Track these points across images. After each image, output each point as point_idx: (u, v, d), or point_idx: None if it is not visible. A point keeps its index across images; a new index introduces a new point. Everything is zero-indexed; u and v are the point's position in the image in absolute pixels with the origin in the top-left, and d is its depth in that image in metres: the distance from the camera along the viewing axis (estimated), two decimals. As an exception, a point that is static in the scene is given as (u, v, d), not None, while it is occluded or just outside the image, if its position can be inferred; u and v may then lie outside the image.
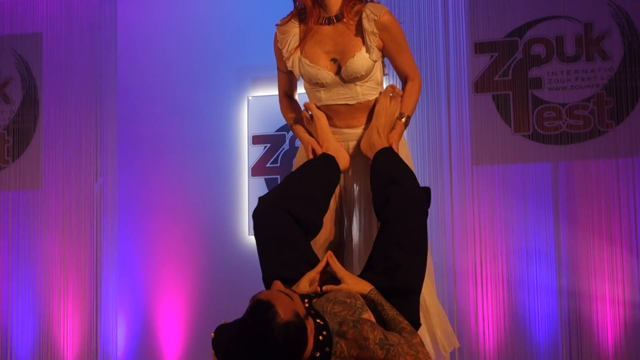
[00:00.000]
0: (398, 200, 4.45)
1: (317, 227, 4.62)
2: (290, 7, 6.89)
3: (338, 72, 4.65)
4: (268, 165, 9.03)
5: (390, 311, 4.11)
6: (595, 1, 8.09)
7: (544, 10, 8.18)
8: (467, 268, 8.05)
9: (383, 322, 4.11)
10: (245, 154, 9.14)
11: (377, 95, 4.72)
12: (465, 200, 7.96)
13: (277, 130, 9.06)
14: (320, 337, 3.68)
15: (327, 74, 4.64)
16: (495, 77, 8.14)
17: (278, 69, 4.94)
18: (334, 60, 4.67)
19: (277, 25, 4.86)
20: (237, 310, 8.44)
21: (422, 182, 6.10)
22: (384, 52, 4.72)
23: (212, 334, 4.02)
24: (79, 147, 8.87)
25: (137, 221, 9.29)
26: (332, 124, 4.78)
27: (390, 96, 4.68)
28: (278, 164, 9.02)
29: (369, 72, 4.64)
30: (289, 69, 4.75)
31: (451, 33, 8.25)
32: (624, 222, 7.88)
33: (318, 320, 3.73)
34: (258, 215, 4.50)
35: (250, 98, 9.14)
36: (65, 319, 8.75)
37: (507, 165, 8.08)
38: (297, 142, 8.64)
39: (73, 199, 8.84)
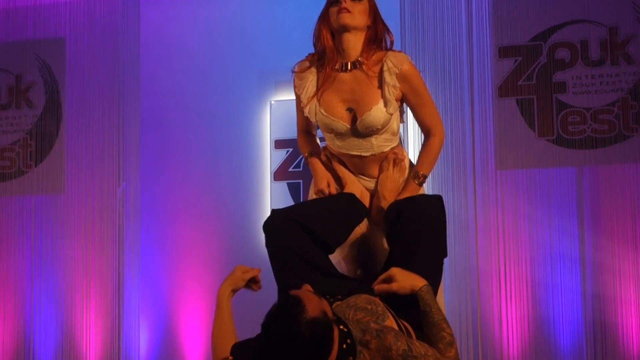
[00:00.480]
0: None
1: (331, 248, 4.45)
2: (310, 14, 6.76)
3: (354, 123, 4.49)
4: (290, 169, 9.02)
5: (436, 315, 3.98)
6: (620, 5, 8.04)
7: (568, 14, 8.12)
8: (491, 272, 8.00)
9: (426, 323, 4.01)
10: (268, 159, 9.13)
11: (393, 146, 4.59)
12: (489, 205, 7.92)
13: None
14: (344, 346, 3.57)
15: (342, 125, 4.48)
16: (520, 82, 8.09)
17: (297, 108, 4.79)
18: (349, 110, 4.50)
19: (293, 71, 4.74)
20: (259, 315, 8.39)
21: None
22: (405, 102, 4.57)
23: (230, 357, 3.95)
24: (102, 152, 8.88)
25: (160, 225, 9.28)
26: (345, 166, 4.68)
27: (395, 161, 4.53)
28: (300, 169, 8.99)
29: (384, 126, 4.47)
30: (305, 114, 4.60)
31: (475, 37, 8.22)
32: None
33: (342, 327, 3.62)
34: (268, 226, 4.45)
35: (272, 102, 9.14)
36: (87, 322, 8.72)
37: (531, 170, 8.03)
38: (322, 144, 8.62)
39: (96, 204, 8.82)
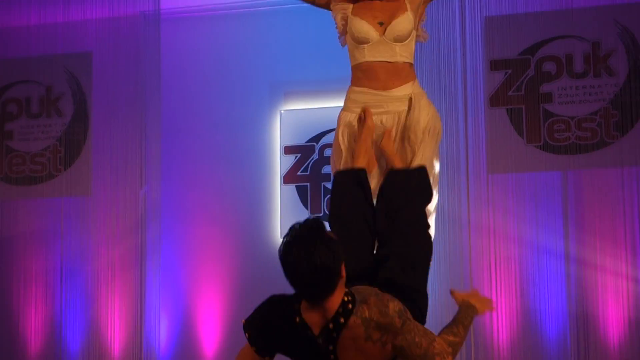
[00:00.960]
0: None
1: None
2: (316, 30, 7.12)
3: (383, 33, 4.84)
4: (299, 173, 9.12)
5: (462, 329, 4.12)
6: (603, 22, 8.14)
7: (554, 30, 8.24)
8: (482, 270, 8.12)
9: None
10: (278, 163, 9.22)
11: (409, 62, 4.91)
12: (481, 206, 8.02)
13: (307, 141, 9.14)
14: (346, 298, 3.72)
15: (374, 31, 4.82)
16: (509, 92, 8.22)
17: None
18: (380, 23, 4.85)
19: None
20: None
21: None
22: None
23: (244, 320, 4.05)
24: (126, 157, 8.92)
25: (179, 226, 9.35)
26: (370, 85, 4.92)
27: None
28: (308, 172, 9.11)
29: (408, 36, 4.84)
30: (339, 28, 5.04)
31: (468, 51, 8.32)
32: (628, 227, 7.95)
33: (346, 290, 3.78)
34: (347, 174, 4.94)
35: (282, 111, 9.25)
36: (112, 315, 8.82)
37: (520, 174, 8.14)
38: (326, 152, 8.91)
39: (120, 205, 8.89)
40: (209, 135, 9.43)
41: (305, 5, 9.10)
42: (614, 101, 8.10)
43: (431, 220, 4.83)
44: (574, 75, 8.20)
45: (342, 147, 5.08)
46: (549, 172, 8.16)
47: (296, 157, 9.15)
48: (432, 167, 4.94)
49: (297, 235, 3.80)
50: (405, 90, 4.93)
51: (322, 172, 9.11)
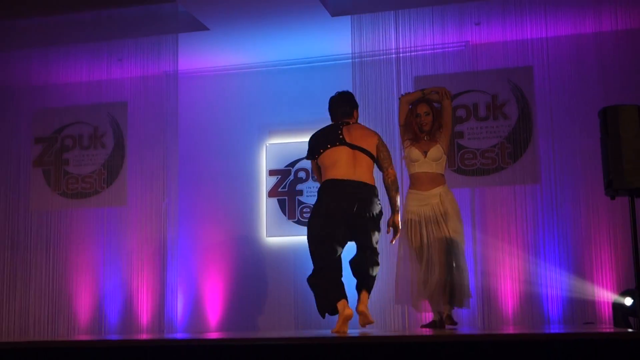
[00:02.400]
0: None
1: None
2: (293, 86, 7.27)
3: (425, 155, 6.16)
4: (279, 189, 9.16)
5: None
6: (499, 80, 8.19)
7: (465, 86, 8.27)
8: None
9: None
10: (264, 182, 9.26)
11: (442, 173, 6.23)
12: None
13: (286, 166, 9.19)
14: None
15: (420, 155, 6.17)
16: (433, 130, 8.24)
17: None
18: (424, 152, 6.18)
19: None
20: (258, 286, 8.94)
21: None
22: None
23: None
24: (152, 178, 8.86)
25: (191, 228, 9.34)
26: (418, 188, 6.17)
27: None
28: (286, 189, 9.14)
29: (439, 158, 6.17)
30: (405, 153, 6.34)
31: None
32: (519, 229, 7.96)
33: None
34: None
35: (267, 144, 9.32)
36: (141, 295, 8.79)
37: None
38: (299, 174, 9.03)
39: (147, 213, 8.84)
40: (214, 161, 9.46)
41: (285, 67, 9.29)
42: (508, 137, 8.14)
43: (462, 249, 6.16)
44: (479, 119, 8.26)
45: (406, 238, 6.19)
46: (461, 189, 8.09)
47: (277, 177, 9.22)
48: (461, 232, 6.14)
49: (337, 93, 6.08)
50: (438, 190, 6.13)
51: (296, 189, 9.16)
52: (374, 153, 5.78)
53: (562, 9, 8.09)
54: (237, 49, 9.10)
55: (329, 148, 5.71)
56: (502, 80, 8.24)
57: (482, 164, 8.18)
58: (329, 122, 7.98)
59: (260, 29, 8.56)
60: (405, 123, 6.31)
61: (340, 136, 5.77)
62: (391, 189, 5.87)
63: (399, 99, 6.41)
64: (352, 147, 5.69)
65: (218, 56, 9.31)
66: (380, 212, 5.81)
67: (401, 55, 8.34)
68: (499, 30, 8.28)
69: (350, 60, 8.39)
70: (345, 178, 5.57)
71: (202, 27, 8.62)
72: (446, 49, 8.38)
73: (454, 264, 6.03)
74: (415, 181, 6.23)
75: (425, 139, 6.23)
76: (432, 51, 8.36)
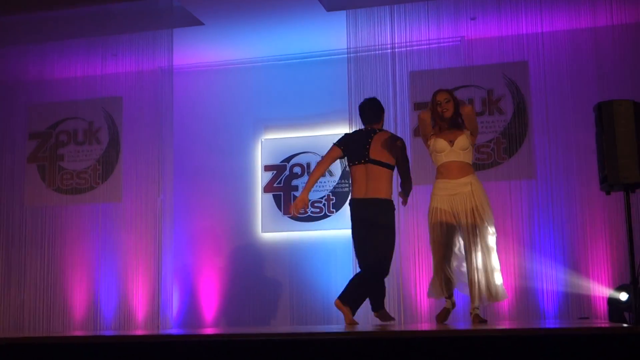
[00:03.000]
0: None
1: None
2: (288, 82, 7.25)
3: (452, 145, 5.93)
4: (275, 185, 9.21)
5: None
6: (494, 75, 8.22)
7: (461, 81, 8.23)
8: (409, 258, 8.03)
9: None
10: (260, 177, 9.28)
11: (469, 162, 5.98)
12: (408, 210, 7.76)
13: (281, 162, 9.22)
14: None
15: (447, 145, 5.93)
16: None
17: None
18: (450, 142, 5.94)
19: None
20: (253, 282, 8.96)
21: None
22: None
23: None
24: (147, 173, 8.84)
25: (187, 224, 9.36)
26: (446, 176, 5.94)
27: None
28: (281, 184, 9.18)
29: (466, 148, 5.95)
30: (430, 147, 6.08)
31: (398, 96, 8.26)
32: (514, 223, 7.96)
33: None
34: None
35: (263, 140, 9.34)
36: (136, 291, 8.77)
37: None
38: (295, 169, 9.05)
39: (143, 209, 8.83)
40: (209, 157, 9.48)
41: (281, 62, 9.29)
42: (503, 132, 8.16)
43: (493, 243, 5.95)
44: (475, 114, 8.04)
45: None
46: None
47: (273, 173, 9.24)
48: (492, 220, 5.98)
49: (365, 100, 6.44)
50: (468, 179, 5.94)
51: (292, 184, 9.18)
52: (394, 164, 6.29)
53: (557, 3, 8.11)
54: (232, 44, 9.11)
55: (356, 164, 6.23)
56: (498, 75, 8.25)
57: (478, 159, 8.13)
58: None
59: (256, 24, 8.57)
60: (425, 129, 6.20)
61: (366, 152, 6.21)
62: (403, 190, 6.52)
63: (418, 116, 6.27)
64: (373, 162, 6.18)
65: (213, 51, 9.31)
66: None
67: (397, 50, 8.36)
68: (494, 25, 8.31)
69: (346, 55, 8.41)
70: (359, 197, 6.17)
71: (197, 22, 8.61)
72: (442, 44, 8.40)
73: (487, 259, 5.91)
74: (443, 170, 6.01)
75: (449, 127, 6.03)
76: (428, 46, 8.37)
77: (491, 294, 5.86)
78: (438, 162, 6.04)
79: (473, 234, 5.86)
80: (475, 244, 5.85)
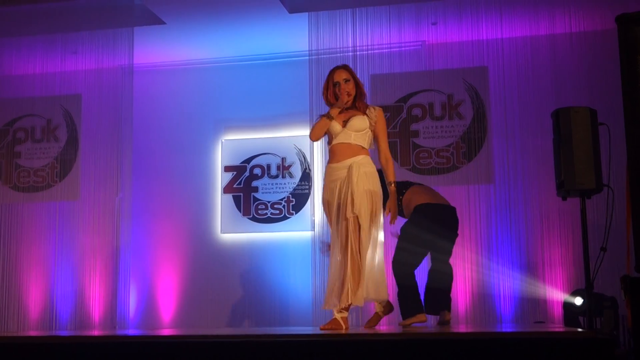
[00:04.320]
0: None
1: None
2: (249, 82, 7.21)
3: (345, 126, 5.25)
4: (235, 186, 9.15)
5: None
6: (454, 80, 8.23)
7: (421, 85, 8.30)
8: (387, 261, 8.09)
9: None
10: (219, 178, 9.22)
11: (362, 146, 5.24)
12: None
13: (241, 162, 9.16)
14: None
15: (339, 127, 5.26)
16: (389, 129, 7.93)
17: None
18: (344, 122, 5.28)
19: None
20: (212, 283, 8.91)
21: None
22: (373, 132, 5.35)
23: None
24: (106, 172, 8.80)
25: (145, 223, 9.30)
26: (331, 161, 5.25)
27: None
28: (241, 185, 9.14)
29: (363, 129, 5.25)
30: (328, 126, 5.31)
31: None
32: (472, 226, 7.96)
33: None
34: None
35: (223, 140, 9.29)
36: (94, 290, 8.71)
37: None
38: (255, 170, 9.01)
39: (101, 207, 8.76)
40: (169, 157, 9.43)
41: (242, 62, 9.25)
42: (462, 137, 8.18)
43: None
44: (435, 118, 8.28)
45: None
46: None
47: (233, 174, 9.20)
48: (370, 213, 5.16)
49: None
50: (349, 162, 5.21)
51: (252, 185, 9.16)
52: None
53: (517, 10, 8.16)
54: (193, 44, 9.07)
55: None
56: (458, 80, 8.29)
57: (437, 163, 8.21)
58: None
59: (217, 24, 8.53)
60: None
61: None
62: None
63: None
64: None
65: (174, 50, 9.26)
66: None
67: (358, 53, 8.35)
68: (455, 30, 8.33)
69: (308, 57, 8.40)
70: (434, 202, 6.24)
71: (158, 21, 8.56)
72: (403, 48, 8.44)
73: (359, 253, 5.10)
74: (331, 153, 5.34)
75: (345, 109, 5.34)
76: (389, 50, 8.39)
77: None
78: (329, 146, 5.41)
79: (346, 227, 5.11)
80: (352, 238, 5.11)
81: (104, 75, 9.03)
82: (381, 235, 5.30)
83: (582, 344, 3.56)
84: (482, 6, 8.14)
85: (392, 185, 5.44)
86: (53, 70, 9.20)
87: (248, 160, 9.20)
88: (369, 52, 8.38)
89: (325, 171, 5.40)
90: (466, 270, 7.93)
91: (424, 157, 8.28)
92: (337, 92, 5.33)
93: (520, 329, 4.79)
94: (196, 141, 9.40)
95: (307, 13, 8.33)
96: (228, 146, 9.29)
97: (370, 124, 5.34)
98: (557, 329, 4.56)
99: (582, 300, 7.00)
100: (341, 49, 8.31)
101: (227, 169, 9.24)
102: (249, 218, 9.07)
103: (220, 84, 9.40)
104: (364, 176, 5.18)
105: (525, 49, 8.27)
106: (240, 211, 9.13)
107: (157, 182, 9.41)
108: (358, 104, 5.38)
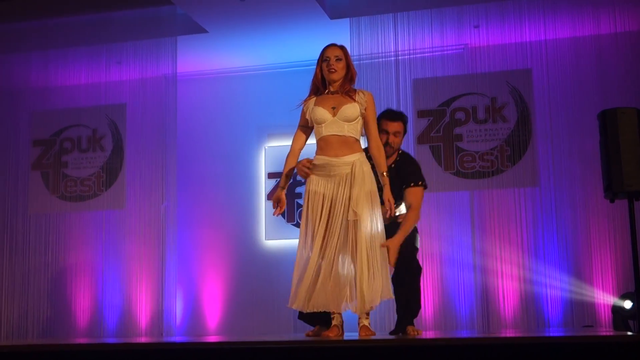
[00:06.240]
0: None
1: None
2: (291, 89, 7.34)
3: (335, 115, 4.90)
4: None
5: None
6: (498, 83, 8.18)
7: (464, 89, 8.27)
8: None
9: None
10: (263, 185, 9.31)
11: (356, 138, 4.91)
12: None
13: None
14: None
15: (328, 115, 4.92)
16: (432, 134, 8.24)
17: (300, 120, 5.17)
18: (333, 107, 4.93)
19: (301, 104, 5.15)
20: (257, 290, 8.96)
21: None
22: (363, 118, 4.95)
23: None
24: (151, 180, 8.85)
25: (190, 231, 9.36)
26: (325, 154, 4.91)
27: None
28: (285, 192, 9.28)
29: (355, 118, 4.89)
30: (306, 116, 5.04)
31: (402, 103, 8.23)
32: (519, 230, 7.94)
33: None
34: None
35: (266, 147, 9.37)
36: (140, 297, 8.78)
37: (440, 193, 8.09)
38: (298, 177, 9.03)
39: (146, 216, 8.83)
40: (214, 165, 9.50)
41: (284, 69, 9.29)
42: (507, 140, 8.13)
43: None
44: (478, 122, 8.25)
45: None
46: (460, 191, 8.16)
47: (277, 180, 9.12)
48: (372, 212, 4.85)
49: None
50: (351, 158, 4.91)
51: (295, 192, 9.18)
52: None
53: (560, 11, 8.12)
54: (235, 52, 9.13)
55: None
56: (501, 83, 8.24)
57: (481, 167, 8.18)
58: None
59: (259, 32, 8.58)
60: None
61: None
62: None
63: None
64: None
65: (217, 59, 9.34)
66: None
67: (400, 57, 8.35)
68: (497, 33, 8.29)
69: (349, 63, 8.39)
70: None
71: (200, 30, 8.63)
72: (445, 52, 8.40)
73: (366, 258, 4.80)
74: (323, 144, 5.00)
75: (332, 92, 5.03)
76: (431, 54, 8.37)
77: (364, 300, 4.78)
78: (317, 136, 5.03)
79: (347, 227, 4.85)
80: (350, 240, 4.82)
81: (148, 85, 9.10)
82: (383, 232, 4.94)
83: (632, 349, 3.50)
84: (525, 8, 8.12)
85: (385, 175, 4.98)
86: (98, 81, 9.30)
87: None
88: (411, 56, 8.36)
89: (317, 162, 5.00)
90: (513, 274, 7.91)
91: (468, 161, 8.25)
92: (325, 69, 5.04)
93: (568, 334, 4.74)
94: (239, 148, 9.46)
95: (348, 19, 8.34)
96: (271, 153, 9.33)
97: (360, 110, 4.97)
98: (606, 333, 4.50)
99: (632, 303, 6.92)
100: (383, 54, 8.31)
101: (270, 175, 9.30)
102: (292, 224, 9.09)
103: (263, 91, 9.45)
104: (368, 176, 4.92)
105: (570, 50, 8.22)
106: (284, 217, 9.17)
107: (202, 190, 9.48)
108: (346, 87, 5.04)
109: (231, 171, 9.40)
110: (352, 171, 4.90)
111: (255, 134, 9.45)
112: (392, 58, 8.35)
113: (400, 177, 5.43)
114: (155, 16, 8.67)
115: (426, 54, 8.38)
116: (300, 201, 9.16)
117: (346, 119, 4.95)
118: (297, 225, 9.07)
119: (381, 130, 5.25)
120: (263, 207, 9.27)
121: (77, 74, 9.32)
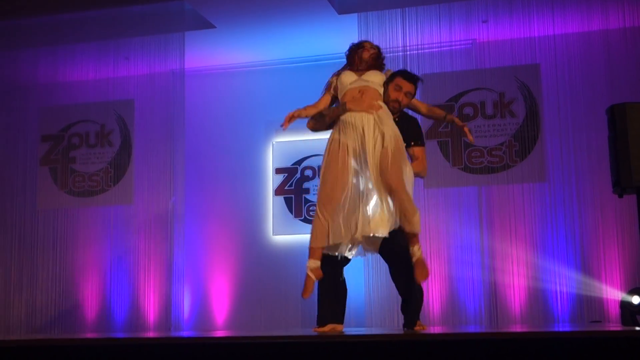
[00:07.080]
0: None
1: None
2: (299, 84, 7.36)
3: (359, 76, 5.10)
4: (286, 188, 9.22)
5: None
6: (507, 78, 8.18)
7: (472, 84, 8.27)
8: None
9: None
10: (271, 180, 9.32)
11: (380, 92, 5.05)
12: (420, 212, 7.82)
13: (292, 164, 9.23)
14: None
15: (354, 76, 5.14)
16: (440, 129, 8.20)
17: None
18: (360, 72, 5.16)
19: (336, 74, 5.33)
20: (264, 285, 8.98)
21: None
22: (412, 106, 5.37)
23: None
24: (159, 176, 8.85)
25: (198, 226, 9.39)
26: (357, 104, 5.00)
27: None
28: (293, 187, 9.20)
29: (379, 83, 5.08)
30: (333, 84, 5.29)
31: None
32: (527, 225, 7.98)
33: None
34: None
35: (274, 142, 9.37)
36: (148, 292, 8.80)
37: (448, 188, 8.14)
38: (306, 172, 9.09)
39: (154, 211, 8.83)
40: (221, 160, 9.52)
41: (292, 65, 9.29)
42: (515, 135, 8.13)
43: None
44: (486, 117, 8.25)
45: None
46: (468, 187, 8.17)
47: (284, 175, 9.26)
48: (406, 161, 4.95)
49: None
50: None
51: (303, 187, 9.19)
52: None
53: (569, 6, 8.10)
54: (243, 47, 9.13)
55: None
56: (509, 78, 8.23)
57: (490, 162, 8.18)
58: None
59: (267, 27, 8.58)
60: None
61: None
62: None
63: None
64: None
65: (225, 54, 9.34)
66: None
67: (408, 52, 8.34)
68: (506, 28, 8.30)
69: (357, 58, 8.39)
70: None
71: (208, 25, 8.64)
72: (453, 47, 8.41)
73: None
74: (349, 97, 5.14)
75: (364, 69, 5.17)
76: (439, 49, 8.37)
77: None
78: (342, 96, 5.20)
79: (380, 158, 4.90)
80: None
81: (156, 80, 9.11)
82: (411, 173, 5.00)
83: (640, 344, 3.50)
84: (533, 2, 8.11)
85: (447, 116, 5.53)
86: (106, 76, 9.32)
87: (299, 162, 9.25)
88: (419, 51, 8.36)
89: (343, 117, 5.08)
90: (521, 270, 7.94)
91: (476, 157, 8.24)
92: (361, 54, 5.24)
93: (576, 329, 4.73)
94: (247, 144, 9.47)
95: (356, 14, 8.33)
96: (279, 148, 9.34)
97: (385, 81, 5.14)
98: (614, 328, 4.50)
99: (640, 299, 6.91)
100: (391, 49, 8.27)
101: (278, 171, 9.30)
102: (300, 219, 9.10)
103: (271, 86, 9.45)
104: (394, 125, 5.00)
105: (579, 45, 8.21)
106: (291, 213, 9.18)
107: (210, 185, 9.49)
108: (376, 63, 5.24)
109: (239, 166, 9.42)
110: (378, 115, 4.96)
111: (263, 129, 9.46)
112: (400, 53, 8.32)
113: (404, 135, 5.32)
114: (163, 11, 8.67)
115: (434, 49, 8.38)
116: (308, 196, 9.17)
117: (371, 81, 5.09)
118: (305, 220, 9.09)
119: (395, 87, 5.24)
120: (271, 202, 9.28)
121: (85, 70, 9.37)
